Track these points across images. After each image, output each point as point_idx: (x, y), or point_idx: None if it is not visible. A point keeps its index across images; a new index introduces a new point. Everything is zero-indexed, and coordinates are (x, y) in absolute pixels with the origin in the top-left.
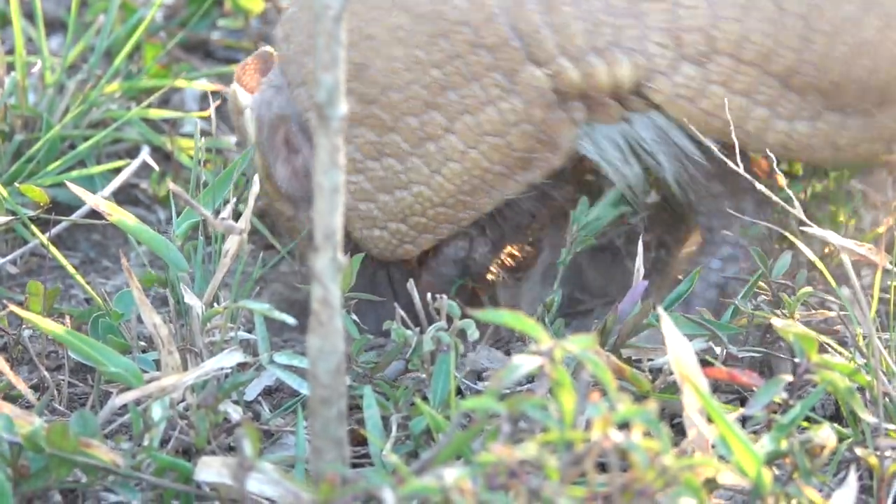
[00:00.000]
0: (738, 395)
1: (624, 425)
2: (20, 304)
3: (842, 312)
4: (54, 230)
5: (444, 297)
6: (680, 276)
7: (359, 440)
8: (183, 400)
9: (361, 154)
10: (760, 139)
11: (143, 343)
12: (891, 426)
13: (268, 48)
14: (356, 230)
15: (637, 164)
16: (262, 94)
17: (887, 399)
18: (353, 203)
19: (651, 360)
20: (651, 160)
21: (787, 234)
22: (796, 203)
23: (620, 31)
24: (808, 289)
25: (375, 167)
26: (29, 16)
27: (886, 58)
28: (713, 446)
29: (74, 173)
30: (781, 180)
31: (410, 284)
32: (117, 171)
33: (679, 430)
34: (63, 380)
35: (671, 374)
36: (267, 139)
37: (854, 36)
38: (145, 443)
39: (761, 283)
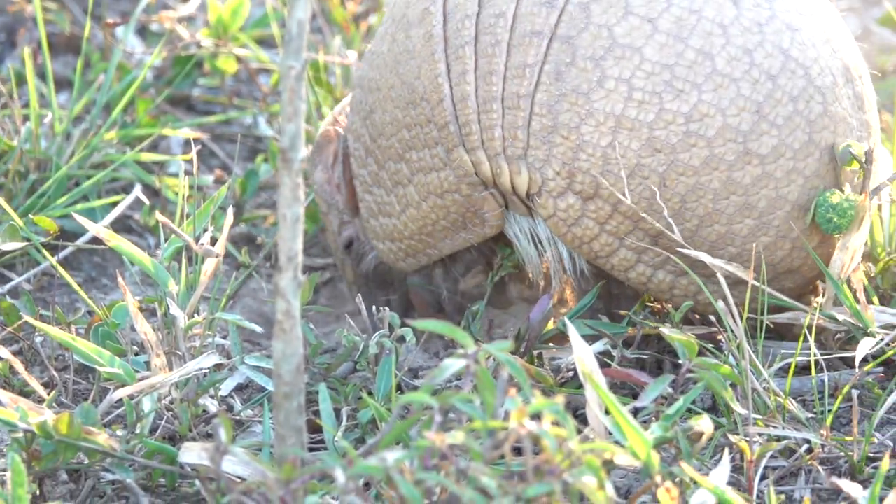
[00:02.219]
0: (631, 391)
1: (536, 416)
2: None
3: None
4: (62, 254)
5: (387, 308)
6: None
7: (315, 428)
8: (169, 395)
9: (370, 179)
10: (624, 274)
11: (135, 348)
12: (758, 416)
13: None
14: (371, 239)
15: (535, 251)
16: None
17: (755, 394)
18: (367, 217)
19: (554, 359)
20: (547, 252)
21: (673, 257)
22: (676, 230)
23: (530, 149)
24: (689, 302)
25: (375, 192)
26: (41, 76)
27: (752, 251)
28: (610, 433)
29: (79, 206)
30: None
31: (358, 299)
32: (114, 204)
33: (582, 420)
34: (69, 378)
35: (569, 370)
36: (316, 148)
37: (726, 227)
38: (137, 431)
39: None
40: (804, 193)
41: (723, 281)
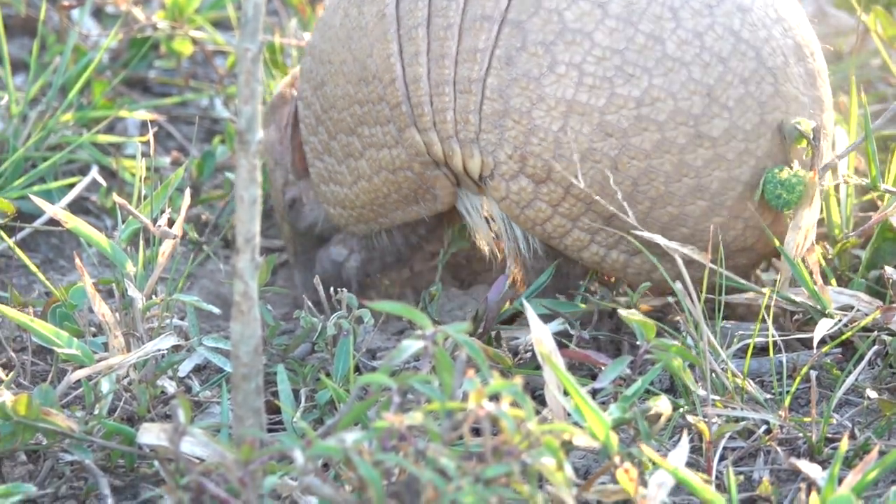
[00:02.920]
0: (589, 372)
1: (495, 397)
2: None
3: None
4: (19, 235)
5: (346, 290)
6: None
7: (273, 409)
8: (127, 376)
9: (320, 147)
10: (577, 254)
11: (93, 329)
12: (716, 397)
13: None
14: (321, 203)
15: (486, 227)
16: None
17: (713, 375)
18: (317, 182)
19: (512, 339)
20: (502, 231)
21: (627, 237)
22: (630, 213)
23: (482, 133)
24: (647, 283)
25: (326, 160)
26: None
27: (705, 231)
28: (569, 414)
29: (36, 188)
30: None
31: (316, 281)
32: (71, 186)
33: (541, 401)
34: (27, 360)
35: (527, 351)
36: (271, 108)
37: (678, 209)
38: (96, 412)
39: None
40: (756, 174)
41: (679, 262)
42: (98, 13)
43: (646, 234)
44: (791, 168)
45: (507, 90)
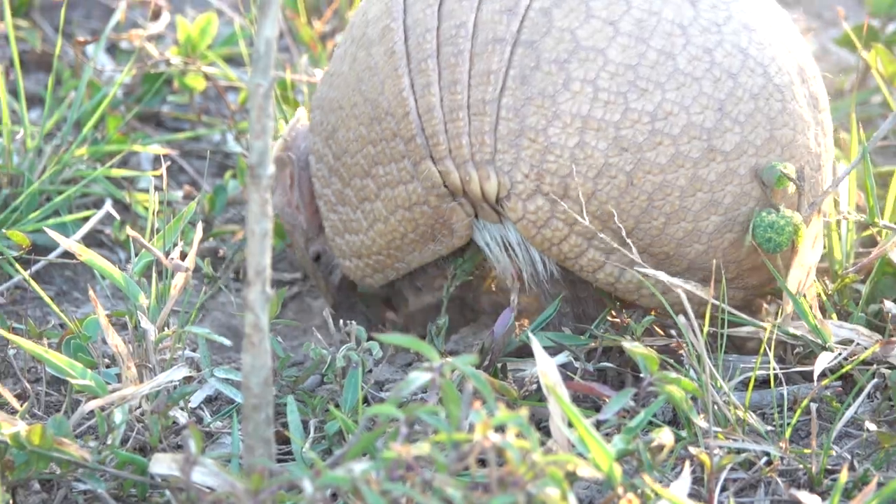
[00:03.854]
0: (593, 403)
1: (500, 428)
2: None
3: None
4: (34, 267)
5: (353, 322)
6: None
7: (283, 440)
8: (139, 407)
9: (334, 198)
10: (592, 275)
11: (106, 360)
12: (718, 429)
13: None
14: (337, 257)
15: (506, 258)
16: (298, 135)
17: (715, 407)
18: (332, 236)
19: (517, 371)
20: (518, 257)
21: (638, 274)
22: (634, 250)
23: (497, 153)
24: (651, 317)
25: (340, 211)
26: (13, 93)
27: (720, 248)
28: (573, 446)
29: (51, 221)
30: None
31: (326, 313)
32: (86, 219)
33: (545, 432)
34: (41, 390)
35: (533, 383)
36: (276, 171)
37: (692, 224)
38: (108, 442)
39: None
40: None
41: (683, 296)
42: (112, 49)
43: (649, 271)
44: (777, 210)
45: (522, 109)
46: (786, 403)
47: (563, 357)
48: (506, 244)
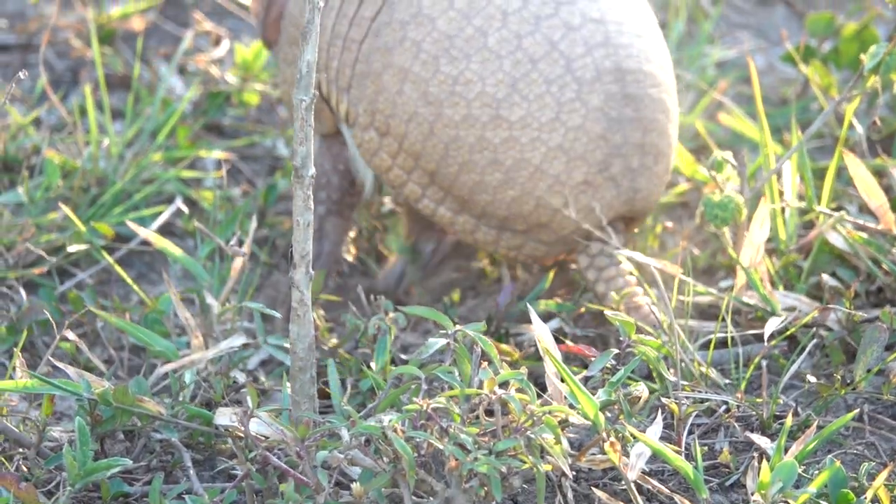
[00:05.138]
0: (581, 363)
1: (504, 384)
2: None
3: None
4: (118, 254)
5: (383, 297)
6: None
7: (325, 396)
8: (205, 369)
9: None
10: (416, 205)
11: (178, 330)
12: (685, 383)
13: None
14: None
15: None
16: None
17: (683, 364)
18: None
19: (518, 336)
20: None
21: (616, 254)
22: (613, 236)
23: (351, 88)
24: (628, 290)
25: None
26: (100, 108)
27: (504, 202)
28: (565, 398)
29: (131, 215)
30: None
31: (360, 290)
32: (160, 213)
33: (542, 387)
34: (124, 357)
35: (531, 346)
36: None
37: (479, 176)
38: (180, 399)
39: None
40: (547, 160)
41: (658, 278)
42: (182, 71)
43: (637, 256)
44: (722, 191)
45: (371, 56)
46: (741, 361)
47: (555, 322)
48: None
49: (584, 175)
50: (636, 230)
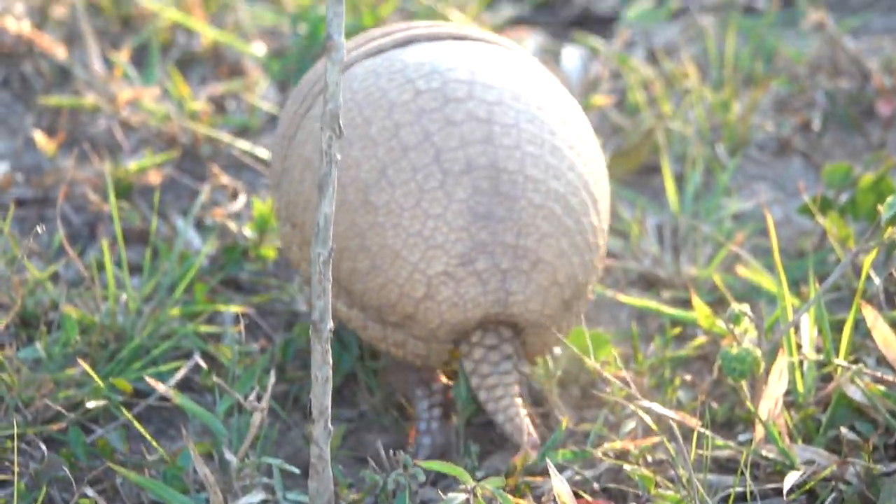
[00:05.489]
0: None
1: None
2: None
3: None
4: (136, 409)
5: (402, 452)
6: None
7: None
8: None
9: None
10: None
11: (196, 486)
12: None
13: None
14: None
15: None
16: None
17: None
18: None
19: (536, 488)
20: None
21: (631, 406)
22: (633, 385)
23: (279, 184)
24: (647, 444)
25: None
26: (117, 263)
27: (374, 290)
28: None
29: (149, 370)
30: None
31: (379, 445)
32: (178, 368)
33: None
34: None
35: (550, 501)
36: None
37: (352, 264)
38: None
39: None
40: (407, 247)
41: (677, 431)
42: (199, 224)
43: (653, 405)
44: (740, 344)
45: (289, 153)
46: None
47: (569, 472)
48: None
49: (444, 266)
50: (533, 345)
